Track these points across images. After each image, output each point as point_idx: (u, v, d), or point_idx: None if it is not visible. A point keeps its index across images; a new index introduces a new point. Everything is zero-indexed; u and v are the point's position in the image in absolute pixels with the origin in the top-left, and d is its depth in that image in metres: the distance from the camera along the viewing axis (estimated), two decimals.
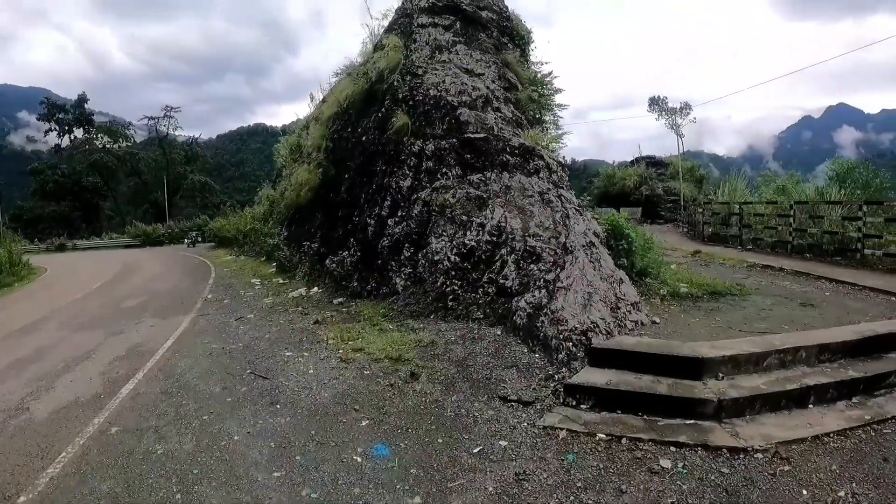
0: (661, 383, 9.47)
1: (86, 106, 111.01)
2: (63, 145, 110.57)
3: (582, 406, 9.33)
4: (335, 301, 19.52)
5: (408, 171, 19.49)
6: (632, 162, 64.06)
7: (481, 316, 14.74)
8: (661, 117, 61.82)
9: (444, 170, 18.65)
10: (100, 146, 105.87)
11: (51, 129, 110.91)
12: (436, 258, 16.79)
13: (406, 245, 18.18)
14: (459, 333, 13.94)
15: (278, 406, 10.33)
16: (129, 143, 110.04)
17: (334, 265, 21.48)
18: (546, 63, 27.97)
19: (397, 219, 19.04)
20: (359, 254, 20.33)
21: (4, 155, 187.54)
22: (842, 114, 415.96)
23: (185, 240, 66.31)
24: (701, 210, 39.36)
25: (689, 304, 15.73)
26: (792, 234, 27.23)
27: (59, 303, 24.67)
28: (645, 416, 8.88)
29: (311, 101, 34.35)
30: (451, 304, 15.57)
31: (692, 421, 8.66)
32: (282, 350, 13.93)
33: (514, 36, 26.32)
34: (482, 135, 18.77)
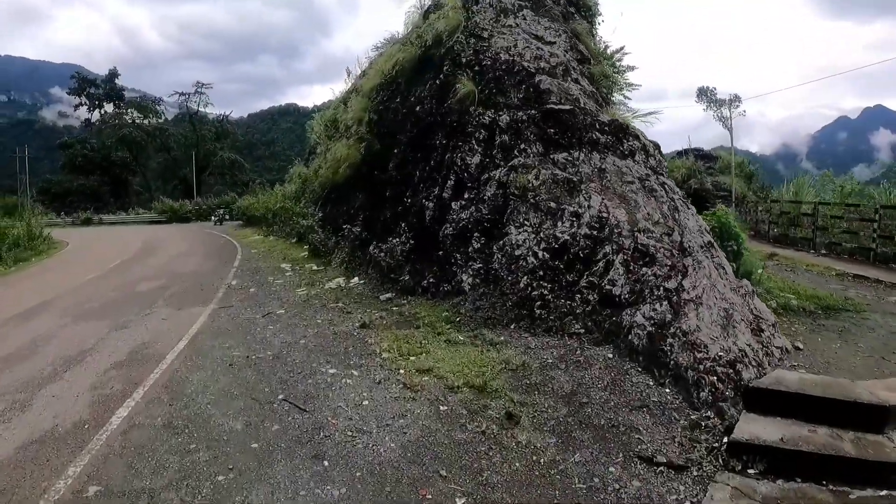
0: (842, 439, 7.38)
1: (116, 81, 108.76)
2: (93, 120, 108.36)
3: (750, 470, 7.01)
4: (382, 297, 16.40)
5: (476, 146, 16.25)
6: (679, 154, 59.93)
7: (581, 330, 11.49)
8: (708, 108, 57.77)
9: (521, 145, 15.42)
10: (129, 121, 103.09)
11: (81, 104, 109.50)
12: (516, 253, 13.59)
13: (475, 234, 14.94)
14: (557, 353, 10.72)
15: (325, 463, 7.10)
16: (158, 119, 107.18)
17: (381, 253, 18.21)
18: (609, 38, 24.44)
19: (463, 202, 15.78)
20: (412, 241, 17.09)
21: (37, 130, 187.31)
22: (879, 115, 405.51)
23: (212, 217, 63.38)
24: (764, 208, 36.51)
25: (810, 322, 13.45)
26: (876, 241, 24.34)
27: (70, 283, 21.97)
28: (831, 487, 6.77)
29: (348, 76, 32.07)
30: (538, 311, 12.38)
31: (885, 492, 6.66)
32: (322, 364, 10.78)
33: (580, 6, 23.37)
34: (567, 106, 15.59)
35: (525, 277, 13.05)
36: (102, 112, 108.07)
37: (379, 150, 21.72)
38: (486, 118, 16.37)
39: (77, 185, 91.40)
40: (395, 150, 19.90)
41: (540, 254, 13.11)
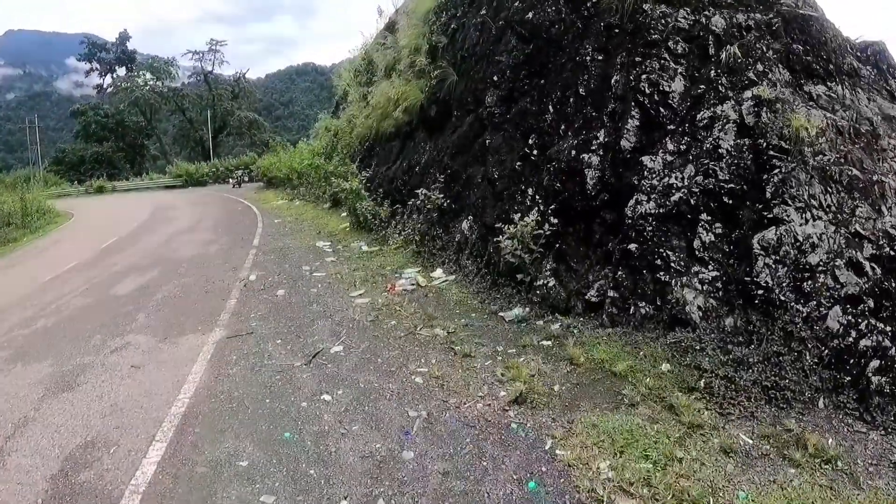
0: None
1: (127, 45, 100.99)
2: (105, 85, 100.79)
3: None
4: (507, 315, 9.84)
5: (672, 63, 9.32)
6: None
7: None
8: None
9: (757, 66, 8.67)
10: (142, 84, 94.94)
11: (92, 70, 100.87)
12: (809, 260, 6.83)
13: (703, 217, 7.94)
14: None
15: None
16: (172, 81, 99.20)
17: (484, 235, 11.70)
18: None
19: (670, 156, 8.70)
20: (555, 220, 9.94)
21: (54, 101, 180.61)
22: None
23: (230, 179, 56.07)
24: None
25: None
26: None
27: (41, 277, 15.83)
28: None
29: (380, 16, 26.09)
30: (876, 380, 5.82)
31: None
32: None
33: None
34: (813, 13, 9.32)
35: (836, 310, 6.29)
36: (115, 76, 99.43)
37: (455, 84, 14.89)
38: (683, 20, 9.42)
39: (91, 153, 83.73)
40: (494, 79, 12.87)
41: (864, 265, 6.52)
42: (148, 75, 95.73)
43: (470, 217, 12.33)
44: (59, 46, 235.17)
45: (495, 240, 10.43)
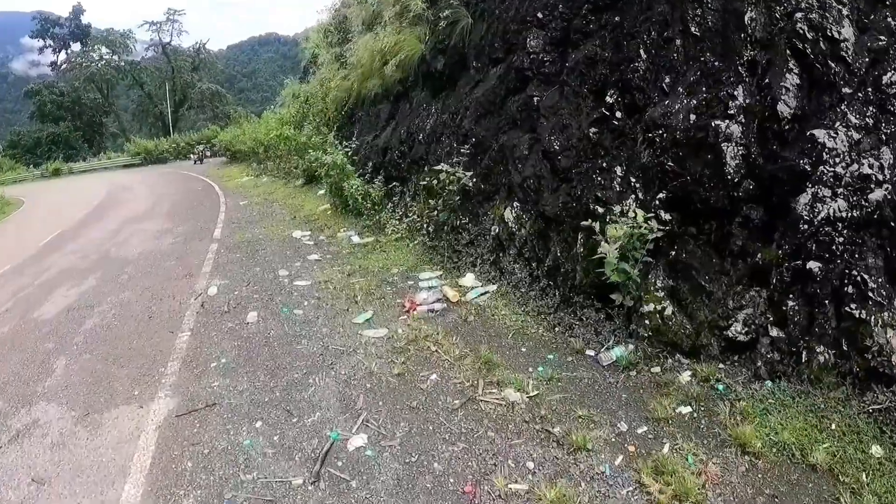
0: None
1: (81, 18, 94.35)
2: (59, 62, 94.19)
3: None
4: (601, 359, 6.28)
5: (832, 1, 5.74)
6: None
7: None
8: None
9: None
10: (97, 58, 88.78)
11: (46, 47, 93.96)
12: None
13: None
14: None
15: None
16: (129, 54, 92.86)
17: (560, 233, 7.98)
18: None
19: (853, 132, 5.25)
20: (668, 217, 6.36)
21: (11, 83, 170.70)
22: None
23: (191, 155, 50.78)
24: None
25: None
26: None
27: None
28: None
29: None
30: None
31: None
32: None
33: None
34: None
35: None
36: (69, 53, 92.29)
37: (471, 28, 11.27)
38: None
39: (47, 135, 77.88)
40: (538, 17, 9.20)
41: None
42: (104, 49, 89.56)
43: (516, 203, 8.68)
44: (13, 26, 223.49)
45: (576, 240, 6.73)
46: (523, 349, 6.70)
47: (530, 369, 6.15)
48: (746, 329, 5.49)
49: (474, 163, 9.69)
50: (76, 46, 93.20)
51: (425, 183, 10.94)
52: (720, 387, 5.26)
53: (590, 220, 6.34)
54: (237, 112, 48.71)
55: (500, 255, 8.91)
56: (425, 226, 10.89)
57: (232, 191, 23.97)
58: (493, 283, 8.60)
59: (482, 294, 8.36)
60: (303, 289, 9.31)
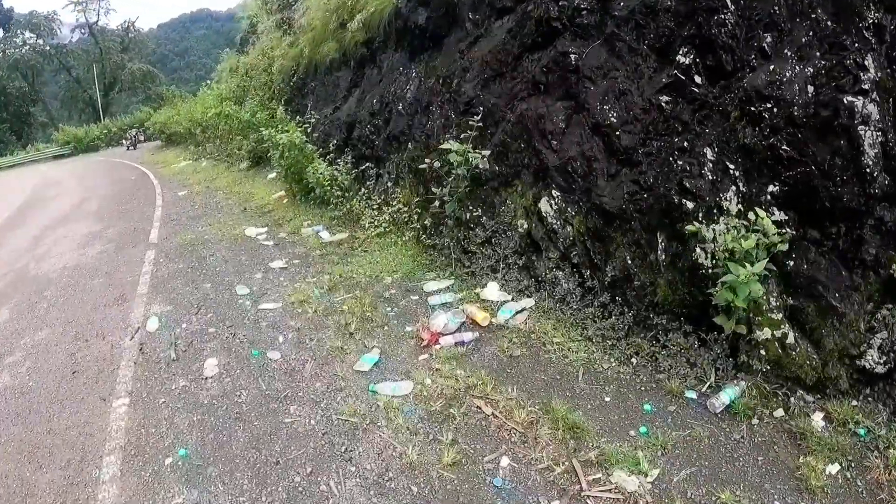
0: None
1: (2, 3, 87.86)
2: None
3: None
4: (713, 405, 4.37)
5: None
6: None
7: None
8: None
9: None
10: (20, 43, 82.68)
11: None
12: None
13: None
14: None
15: None
16: (54, 37, 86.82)
17: (624, 235, 5.71)
18: None
19: None
20: (784, 218, 4.57)
21: None
22: None
23: (123, 141, 46.79)
24: None
25: None
26: None
27: None
28: None
29: None
30: None
31: None
32: None
33: None
34: None
35: None
36: None
37: None
38: None
39: None
40: None
41: None
42: (27, 34, 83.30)
43: (555, 192, 6.46)
44: None
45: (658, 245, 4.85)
46: (606, 398, 4.75)
47: (631, 432, 4.34)
48: (882, 357, 4.20)
49: (482, 139, 7.34)
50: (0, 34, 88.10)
51: (396, 160, 8.63)
52: (861, 431, 4.05)
53: (694, 223, 4.73)
54: (171, 92, 44.96)
55: (534, 258, 6.68)
56: (415, 218, 8.57)
57: (169, 179, 21.05)
58: (527, 296, 6.40)
59: (517, 312, 6.13)
60: (273, 315, 6.93)
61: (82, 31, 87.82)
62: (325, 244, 9.49)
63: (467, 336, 5.77)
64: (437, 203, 7.52)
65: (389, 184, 9.88)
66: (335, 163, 11.38)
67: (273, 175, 15.42)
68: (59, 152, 54.13)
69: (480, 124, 7.28)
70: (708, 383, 4.65)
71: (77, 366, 6.32)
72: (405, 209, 8.98)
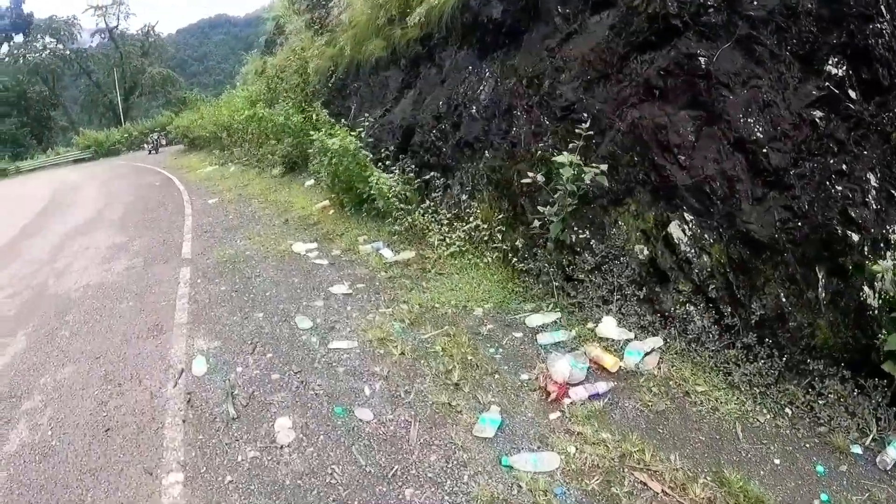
0: None
1: (23, 7, 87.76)
2: (2, 55, 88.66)
3: None
4: None
5: None
6: None
7: None
8: None
9: None
10: (41, 48, 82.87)
11: None
12: None
13: None
14: None
15: None
16: (73, 42, 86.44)
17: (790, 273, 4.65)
18: None
19: None
20: None
21: None
22: None
23: (145, 145, 45.36)
24: None
25: None
26: None
27: None
28: None
29: None
30: None
31: None
32: None
33: None
34: None
35: None
36: (11, 45, 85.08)
37: None
38: None
39: None
40: None
41: None
42: (47, 38, 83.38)
43: (688, 216, 5.39)
44: None
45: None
46: (775, 460, 4.03)
47: (815, 502, 3.66)
48: None
49: (586, 149, 6.07)
50: (19, 38, 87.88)
51: (494, 175, 7.38)
52: None
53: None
54: (193, 95, 43.97)
55: (658, 290, 5.45)
56: (499, 237, 7.29)
57: (196, 185, 19.87)
58: (652, 334, 5.18)
59: (646, 354, 4.91)
60: (349, 358, 5.67)
61: (102, 35, 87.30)
62: (389, 264, 8.25)
63: (601, 387, 4.66)
64: (535, 223, 6.24)
65: (463, 196, 8.62)
66: (389, 171, 10.12)
67: (311, 182, 14.23)
68: (79, 156, 53.53)
69: (590, 132, 6.01)
70: (871, 436, 4.07)
71: (110, 420, 5.08)
72: (484, 226, 7.71)
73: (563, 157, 5.68)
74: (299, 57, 17.66)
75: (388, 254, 8.72)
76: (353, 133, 10.29)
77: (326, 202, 11.89)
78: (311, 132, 11.62)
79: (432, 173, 9.41)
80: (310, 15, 18.58)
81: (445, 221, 8.64)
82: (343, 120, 12.37)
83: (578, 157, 5.83)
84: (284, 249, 9.68)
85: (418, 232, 9.05)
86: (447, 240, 8.21)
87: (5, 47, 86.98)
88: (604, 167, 5.70)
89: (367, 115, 11.84)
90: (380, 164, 10.38)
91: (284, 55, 20.35)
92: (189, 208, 15.05)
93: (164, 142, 45.02)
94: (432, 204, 9.19)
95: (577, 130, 6.01)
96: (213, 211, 14.20)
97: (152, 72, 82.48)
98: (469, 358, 5.33)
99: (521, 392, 4.81)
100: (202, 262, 9.61)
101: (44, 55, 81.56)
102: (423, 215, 9.10)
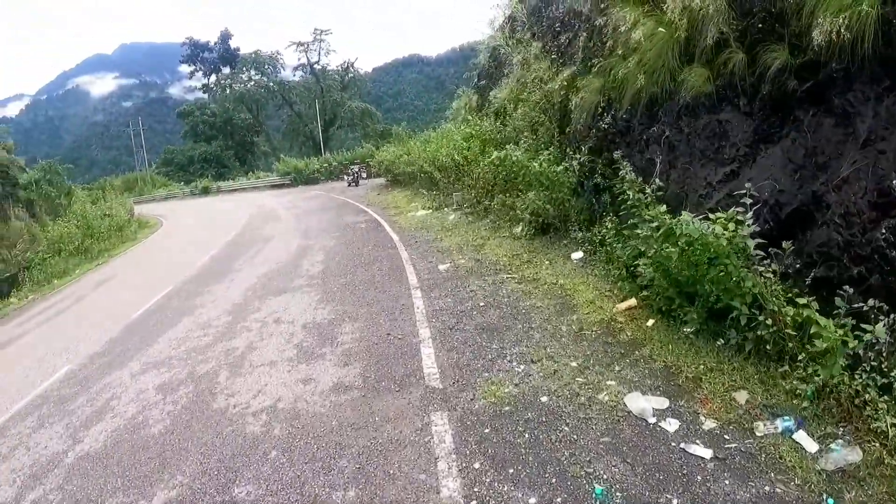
0: None
1: (230, 42, 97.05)
2: (210, 84, 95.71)
3: None
4: None
5: None
6: None
7: None
8: None
9: None
10: (246, 79, 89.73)
11: (196, 70, 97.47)
12: None
13: None
14: None
15: None
16: (277, 75, 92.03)
17: None
18: None
19: None
20: None
21: (171, 106, 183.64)
22: None
23: (345, 176, 44.45)
24: None
25: None
26: None
27: None
28: None
29: None
30: None
31: None
32: None
33: None
34: None
35: None
36: (219, 76, 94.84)
37: None
38: None
39: (199, 153, 78.04)
40: None
41: None
42: (252, 71, 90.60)
43: None
44: (170, 55, 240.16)
45: None
46: None
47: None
48: None
49: None
50: (226, 70, 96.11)
51: None
52: None
53: None
54: (399, 129, 42.17)
55: None
56: None
57: (411, 234, 16.59)
58: None
59: None
60: None
61: (304, 70, 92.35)
62: (824, 473, 4.15)
63: None
64: None
65: None
66: (763, 276, 5.96)
67: (578, 255, 10.42)
68: (278, 182, 54.66)
69: None
70: None
71: None
72: None
73: None
74: (546, 93, 14.04)
75: (809, 445, 4.64)
76: (726, 218, 6.17)
77: (632, 301, 7.95)
78: (630, 198, 7.65)
79: (873, 301, 5.01)
80: (538, 44, 15.16)
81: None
82: (639, 177, 8.30)
83: None
84: (610, 402, 5.80)
85: (843, 396, 4.88)
86: None
87: (213, 78, 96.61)
88: None
89: (705, 178, 7.78)
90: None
91: (512, 89, 16.88)
92: (413, 276, 11.70)
93: (364, 174, 43.54)
94: (866, 348, 4.91)
95: None
96: (448, 286, 10.68)
97: (352, 105, 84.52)
98: None
99: None
100: (465, 407, 5.98)
101: (249, 86, 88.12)
102: (849, 374, 4.91)
